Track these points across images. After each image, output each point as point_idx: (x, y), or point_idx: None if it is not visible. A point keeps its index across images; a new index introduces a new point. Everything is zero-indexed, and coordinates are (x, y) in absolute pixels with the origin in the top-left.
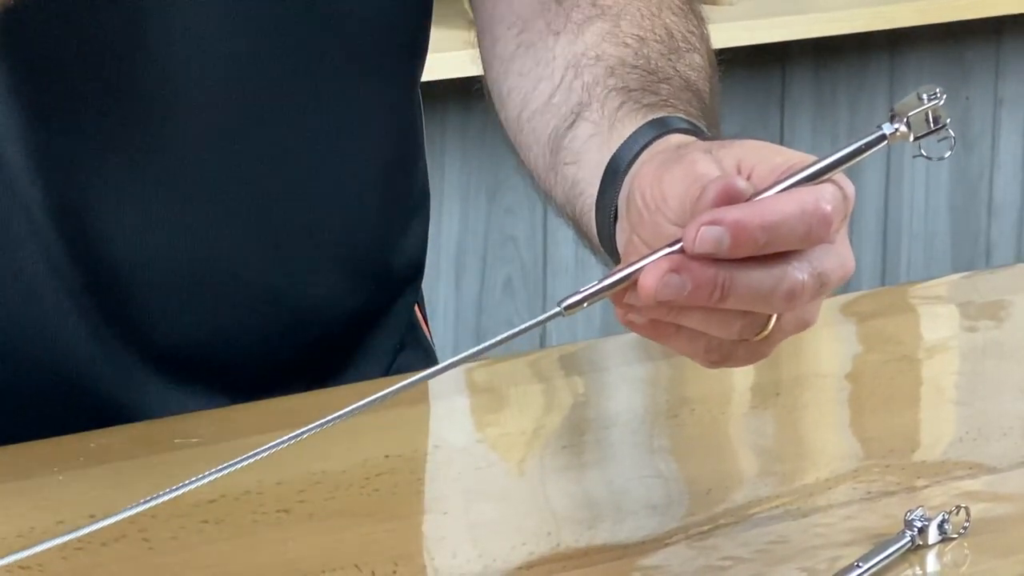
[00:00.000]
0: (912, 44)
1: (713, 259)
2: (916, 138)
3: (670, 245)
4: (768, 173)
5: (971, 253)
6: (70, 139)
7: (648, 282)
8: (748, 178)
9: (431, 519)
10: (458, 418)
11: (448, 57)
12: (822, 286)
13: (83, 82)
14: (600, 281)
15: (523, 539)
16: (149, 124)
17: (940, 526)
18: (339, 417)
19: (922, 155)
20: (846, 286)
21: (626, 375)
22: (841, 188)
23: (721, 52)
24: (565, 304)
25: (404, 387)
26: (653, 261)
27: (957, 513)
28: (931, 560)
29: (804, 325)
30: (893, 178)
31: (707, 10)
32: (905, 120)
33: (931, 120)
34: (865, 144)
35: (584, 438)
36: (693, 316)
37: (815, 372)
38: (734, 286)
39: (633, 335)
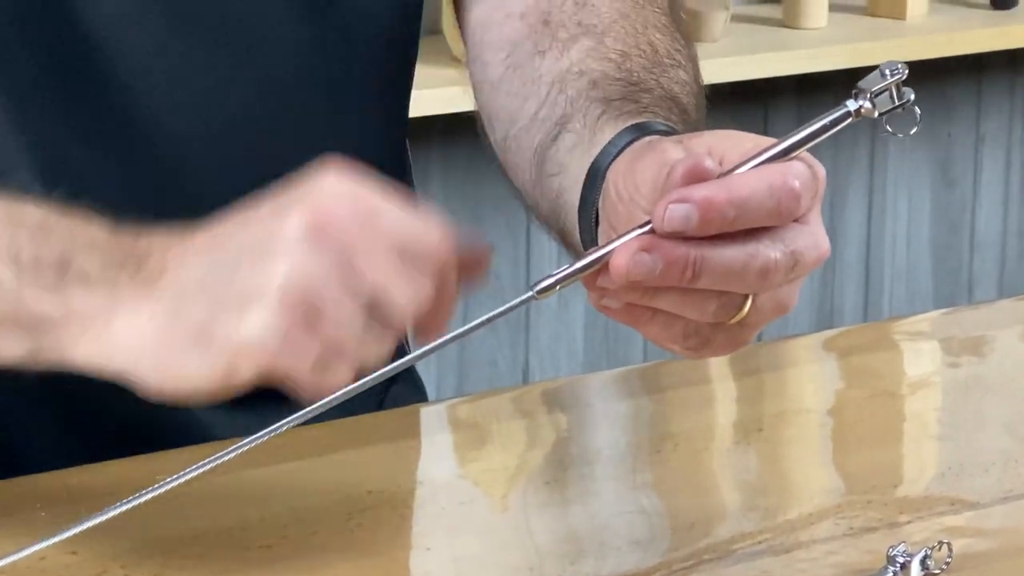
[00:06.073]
0: None
1: (684, 238)
2: (881, 114)
3: (641, 226)
4: (739, 158)
5: (953, 289)
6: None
7: (619, 262)
8: (720, 164)
9: (414, 555)
10: (441, 454)
11: (431, 94)
12: (796, 264)
13: (64, 122)
14: (572, 264)
15: (506, 574)
16: (136, 160)
17: (922, 562)
18: (311, 411)
19: (888, 131)
20: (829, 322)
21: (609, 411)
22: (810, 166)
23: (704, 88)
24: (538, 288)
25: (384, 374)
26: (624, 242)
27: (939, 548)
28: None
29: (782, 309)
30: (875, 214)
31: None
32: (869, 96)
33: (895, 96)
34: (831, 121)
35: (567, 473)
36: (667, 298)
37: (798, 408)
38: (706, 264)
39: (616, 371)
